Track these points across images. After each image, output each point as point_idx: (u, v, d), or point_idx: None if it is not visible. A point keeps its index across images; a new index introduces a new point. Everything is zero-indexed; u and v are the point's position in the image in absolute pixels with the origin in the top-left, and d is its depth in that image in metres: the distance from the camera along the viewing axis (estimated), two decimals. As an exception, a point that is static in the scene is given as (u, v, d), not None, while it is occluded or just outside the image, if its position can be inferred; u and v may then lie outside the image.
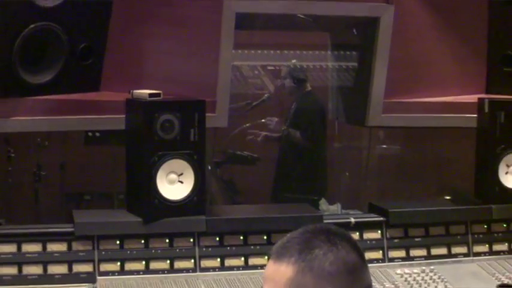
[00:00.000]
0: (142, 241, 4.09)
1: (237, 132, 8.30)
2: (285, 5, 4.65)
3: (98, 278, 3.98)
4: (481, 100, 4.60)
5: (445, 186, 8.59)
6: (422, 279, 4.21)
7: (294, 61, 7.90)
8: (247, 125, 8.38)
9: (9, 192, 8.36)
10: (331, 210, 6.38)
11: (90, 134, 7.56)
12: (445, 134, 7.85)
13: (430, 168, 8.94)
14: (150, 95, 4.13)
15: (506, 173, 4.54)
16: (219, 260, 4.15)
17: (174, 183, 4.12)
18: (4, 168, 8.21)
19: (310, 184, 8.08)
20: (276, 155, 8.55)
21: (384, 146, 9.04)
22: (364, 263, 2.63)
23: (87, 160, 8.47)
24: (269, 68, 8.28)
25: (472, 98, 4.75)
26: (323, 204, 6.58)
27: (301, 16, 5.16)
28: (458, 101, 4.88)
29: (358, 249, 2.63)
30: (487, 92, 4.86)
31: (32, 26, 3.91)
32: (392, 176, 8.98)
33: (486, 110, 4.53)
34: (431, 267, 4.34)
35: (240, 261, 4.17)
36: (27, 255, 3.94)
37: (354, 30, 5.29)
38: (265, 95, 8.29)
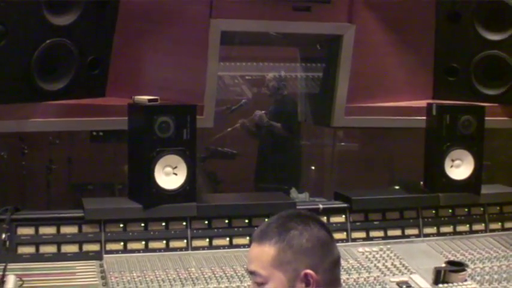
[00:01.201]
0: (142, 224, 4.04)
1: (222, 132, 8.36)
2: (262, 24, 4.61)
3: (104, 256, 3.94)
4: (429, 105, 4.59)
5: (395, 177, 8.64)
6: (380, 256, 4.19)
7: (282, 72, 7.96)
8: (229, 129, 8.44)
9: (23, 182, 8.33)
10: (300, 198, 6.36)
11: (94, 133, 7.54)
12: (394, 133, 7.89)
13: (382, 162, 8.98)
14: (149, 100, 4.10)
15: (451, 166, 4.54)
16: (207, 240, 4.11)
17: (170, 175, 4.08)
18: (19, 162, 8.18)
19: (284, 175, 8.11)
20: (252, 152, 8.57)
21: (343, 144, 9.06)
22: (332, 238, 2.67)
23: (91, 155, 8.43)
24: (247, 77, 8.30)
25: (422, 103, 4.74)
26: (293, 192, 6.56)
27: (274, 34, 5.14)
28: (409, 105, 4.87)
29: (326, 227, 2.67)
30: (434, 98, 4.85)
31: (47, 41, 3.86)
32: (350, 169, 9.00)
33: (434, 113, 4.52)
34: (388, 246, 4.32)
35: (226, 241, 4.13)
36: (44, 236, 3.89)
37: (318, 46, 5.27)
38: (243, 101, 8.34)
